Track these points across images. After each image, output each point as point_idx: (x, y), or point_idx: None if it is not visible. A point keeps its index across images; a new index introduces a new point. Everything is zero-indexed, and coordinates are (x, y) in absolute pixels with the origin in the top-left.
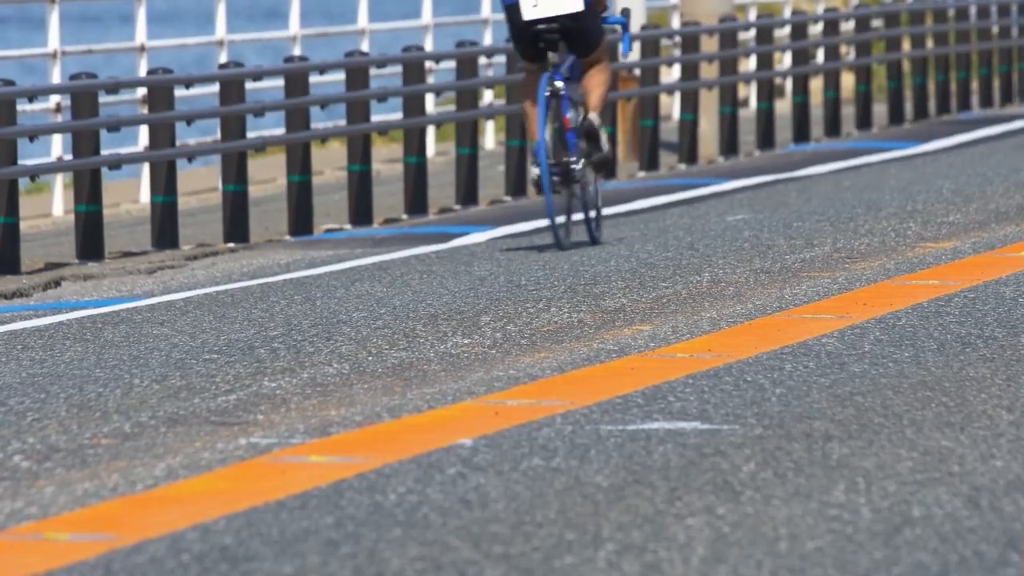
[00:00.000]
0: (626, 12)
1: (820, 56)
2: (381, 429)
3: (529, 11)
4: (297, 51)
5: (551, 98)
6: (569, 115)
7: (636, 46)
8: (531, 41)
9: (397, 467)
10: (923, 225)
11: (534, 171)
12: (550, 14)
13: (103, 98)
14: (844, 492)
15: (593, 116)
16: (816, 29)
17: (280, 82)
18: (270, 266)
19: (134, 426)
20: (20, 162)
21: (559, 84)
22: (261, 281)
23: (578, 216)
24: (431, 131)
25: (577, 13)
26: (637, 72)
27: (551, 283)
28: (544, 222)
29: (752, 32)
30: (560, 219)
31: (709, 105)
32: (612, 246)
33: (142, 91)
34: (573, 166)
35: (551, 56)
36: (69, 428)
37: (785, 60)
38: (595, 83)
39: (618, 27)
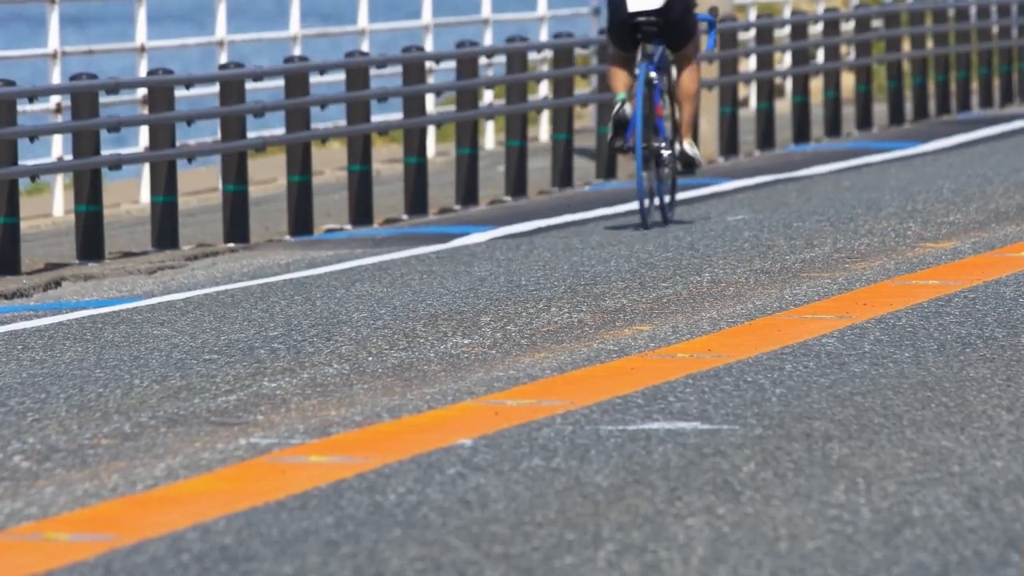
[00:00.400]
0: (714, 10)
1: (820, 56)
2: (381, 429)
3: (634, 3)
4: (297, 51)
5: (645, 86)
6: (660, 103)
7: None
8: (630, 32)
9: (397, 467)
10: (923, 225)
11: (616, 108)
12: (651, 7)
13: (103, 98)
14: (844, 492)
15: (687, 146)
16: (816, 29)
17: (280, 82)
18: (270, 266)
19: (134, 426)
20: (20, 162)
21: (653, 75)
22: (261, 281)
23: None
24: (431, 131)
25: (673, 5)
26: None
27: (551, 283)
28: (544, 222)
29: (752, 32)
30: (645, 202)
31: (709, 105)
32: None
33: (142, 91)
34: (663, 151)
35: (646, 47)
36: (69, 428)
37: (785, 60)
38: (686, 95)
39: (705, 23)
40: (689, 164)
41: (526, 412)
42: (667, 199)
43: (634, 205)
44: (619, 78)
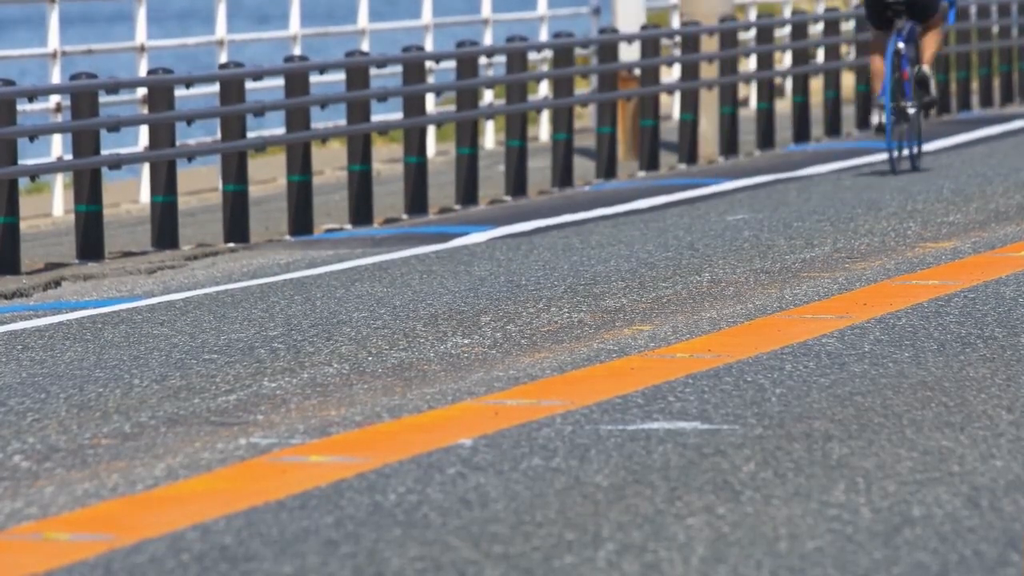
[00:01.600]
0: None
1: (820, 56)
2: (381, 429)
3: None
4: (297, 51)
5: (895, 55)
6: (907, 70)
7: (636, 46)
8: (882, 12)
9: (397, 467)
10: (923, 225)
11: (875, 118)
12: None
13: (103, 98)
14: (844, 492)
15: (926, 67)
16: (816, 29)
17: (280, 82)
18: (270, 266)
19: (134, 426)
20: (20, 162)
21: (901, 45)
22: (261, 281)
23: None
24: (431, 131)
25: None
26: (637, 72)
27: (551, 283)
28: (544, 222)
29: (752, 32)
30: (894, 153)
31: (709, 105)
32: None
33: (142, 91)
34: (909, 109)
35: (896, 23)
36: (69, 428)
37: (785, 60)
38: (930, 42)
39: (946, 3)
40: (923, 81)
41: (526, 412)
42: (915, 150)
43: (635, 206)
44: (880, 73)
